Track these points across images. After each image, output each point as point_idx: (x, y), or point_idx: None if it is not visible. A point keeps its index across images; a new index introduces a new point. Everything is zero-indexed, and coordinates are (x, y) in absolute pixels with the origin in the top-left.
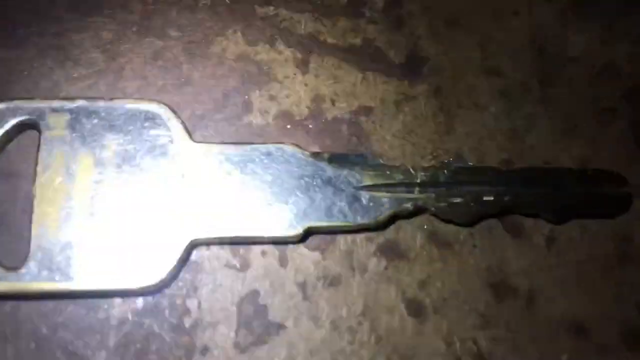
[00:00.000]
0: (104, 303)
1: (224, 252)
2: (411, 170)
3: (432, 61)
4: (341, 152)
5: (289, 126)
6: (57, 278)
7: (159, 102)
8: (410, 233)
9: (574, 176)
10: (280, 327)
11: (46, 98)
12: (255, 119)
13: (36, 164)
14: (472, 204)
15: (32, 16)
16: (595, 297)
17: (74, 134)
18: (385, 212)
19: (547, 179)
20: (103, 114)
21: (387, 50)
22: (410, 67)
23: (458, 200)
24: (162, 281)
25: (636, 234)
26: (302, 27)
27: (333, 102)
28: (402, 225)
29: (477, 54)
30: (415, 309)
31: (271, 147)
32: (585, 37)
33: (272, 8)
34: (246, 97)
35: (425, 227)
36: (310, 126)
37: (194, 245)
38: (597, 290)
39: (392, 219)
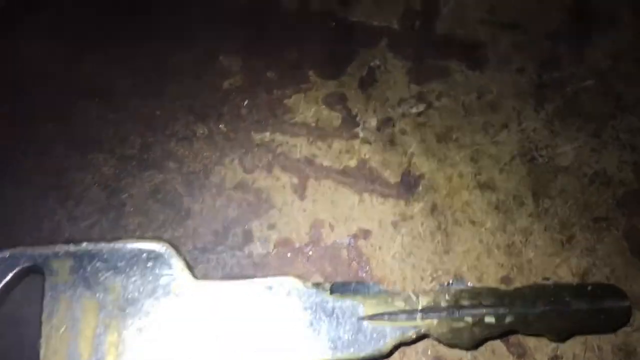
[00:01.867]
0: None
1: None
2: (412, 296)
3: (426, 178)
4: (342, 281)
5: (289, 254)
6: None
7: (160, 240)
8: (414, 359)
9: (573, 292)
10: None
11: (49, 242)
12: (256, 249)
13: (41, 312)
14: (474, 327)
15: (33, 156)
16: None
17: (77, 279)
18: (389, 341)
19: (547, 297)
20: (106, 256)
21: (382, 170)
22: (405, 185)
23: (460, 324)
24: None
25: (638, 346)
26: (298, 151)
27: (332, 227)
28: (406, 351)
29: (470, 169)
30: None
31: (272, 281)
32: (574, 146)
33: (268, 134)
34: (246, 226)
35: (429, 352)
36: (310, 253)
37: None
38: None
39: (396, 347)
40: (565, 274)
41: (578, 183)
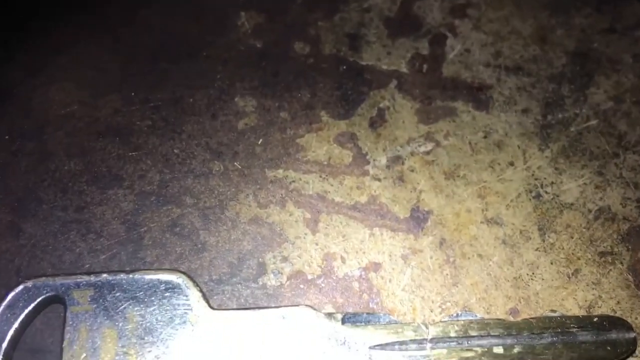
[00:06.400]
0: None
1: None
2: (422, 326)
3: (435, 214)
4: (353, 312)
5: (302, 286)
6: None
7: (177, 271)
8: None
9: (580, 324)
10: None
11: (71, 273)
12: (270, 280)
13: (62, 340)
14: (482, 357)
15: (56, 191)
16: None
17: (97, 308)
18: None
19: (554, 327)
20: (125, 287)
21: (391, 206)
22: (414, 220)
23: (469, 354)
24: None
25: None
26: (310, 187)
27: (343, 260)
28: None
29: (477, 205)
30: None
31: (285, 311)
32: (578, 184)
33: (281, 171)
34: (260, 259)
35: None
36: (323, 285)
37: None
38: None
39: None
40: (571, 306)
41: (583, 219)
